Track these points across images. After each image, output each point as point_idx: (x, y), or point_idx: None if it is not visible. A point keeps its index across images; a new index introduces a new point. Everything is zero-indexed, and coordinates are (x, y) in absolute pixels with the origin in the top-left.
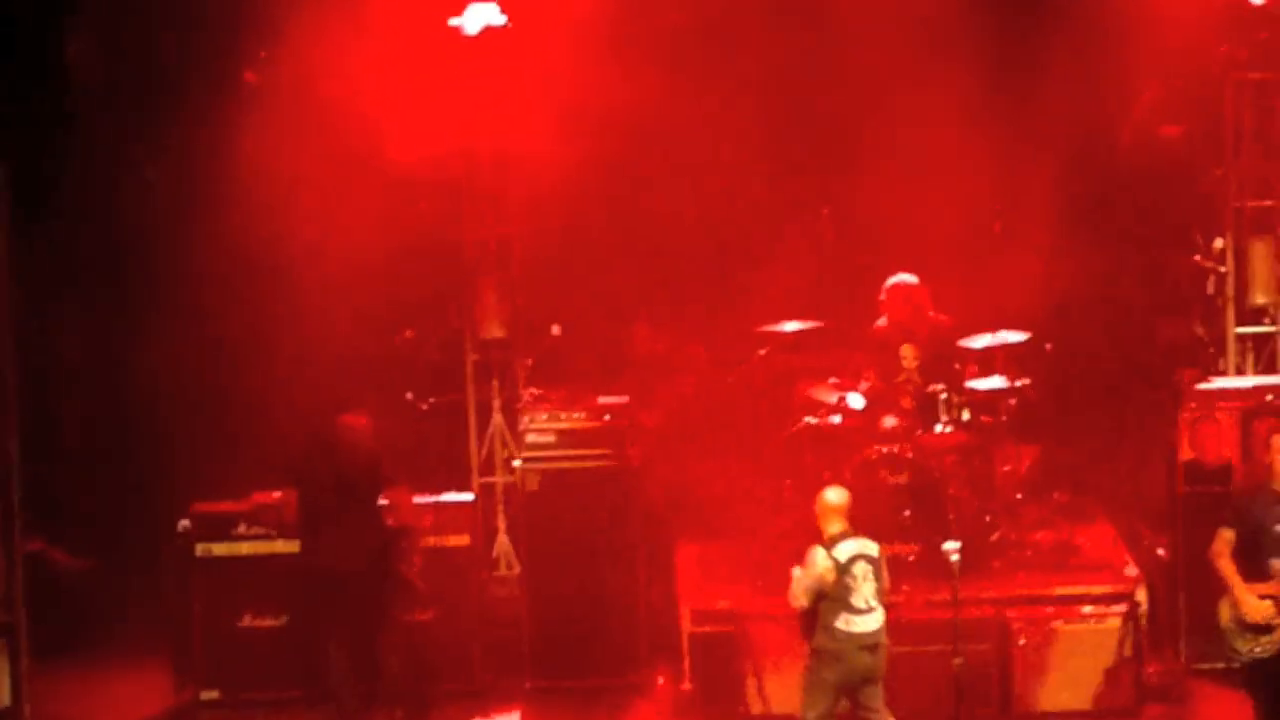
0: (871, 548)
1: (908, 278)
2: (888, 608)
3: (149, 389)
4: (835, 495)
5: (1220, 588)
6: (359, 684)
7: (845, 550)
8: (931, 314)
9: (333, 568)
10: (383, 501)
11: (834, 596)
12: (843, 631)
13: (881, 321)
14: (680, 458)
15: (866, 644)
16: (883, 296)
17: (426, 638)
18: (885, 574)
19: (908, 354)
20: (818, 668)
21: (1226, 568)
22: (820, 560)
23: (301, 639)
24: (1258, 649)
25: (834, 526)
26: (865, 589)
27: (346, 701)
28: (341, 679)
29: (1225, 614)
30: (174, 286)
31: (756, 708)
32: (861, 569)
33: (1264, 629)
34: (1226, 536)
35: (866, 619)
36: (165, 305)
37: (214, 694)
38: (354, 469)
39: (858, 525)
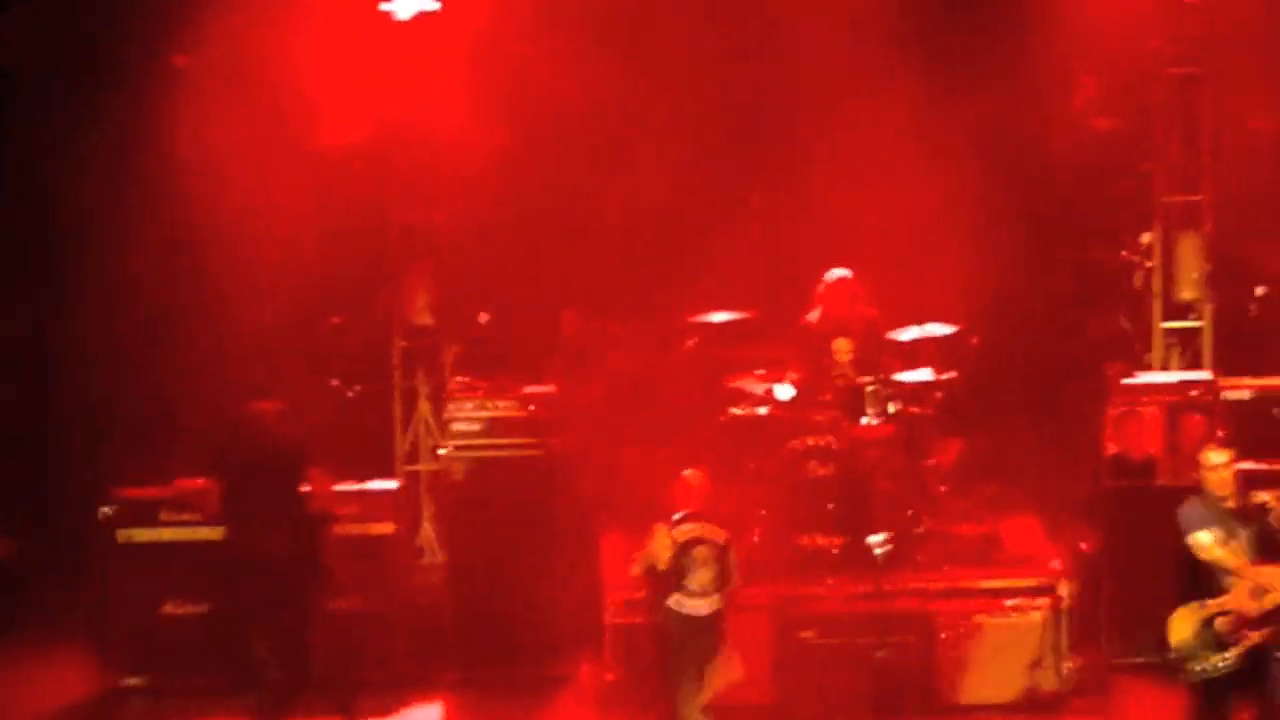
0: (717, 535)
1: (844, 273)
2: (728, 597)
3: (75, 372)
4: (691, 477)
5: (1158, 597)
6: (282, 673)
7: (685, 531)
8: (864, 308)
9: (255, 555)
10: (304, 488)
11: (669, 575)
12: (673, 611)
13: (814, 315)
14: (606, 447)
15: (696, 626)
16: (820, 289)
17: (350, 626)
18: (731, 566)
19: (842, 348)
20: (660, 643)
21: (1229, 557)
22: (658, 537)
23: (224, 627)
24: (1221, 664)
25: (683, 507)
26: (701, 574)
27: (269, 690)
28: (264, 668)
29: (1182, 631)
30: (102, 270)
31: None
32: (701, 553)
33: (1222, 645)
34: (1203, 534)
35: (698, 602)
36: (93, 289)
37: (136, 680)
38: (271, 455)
39: (717, 513)
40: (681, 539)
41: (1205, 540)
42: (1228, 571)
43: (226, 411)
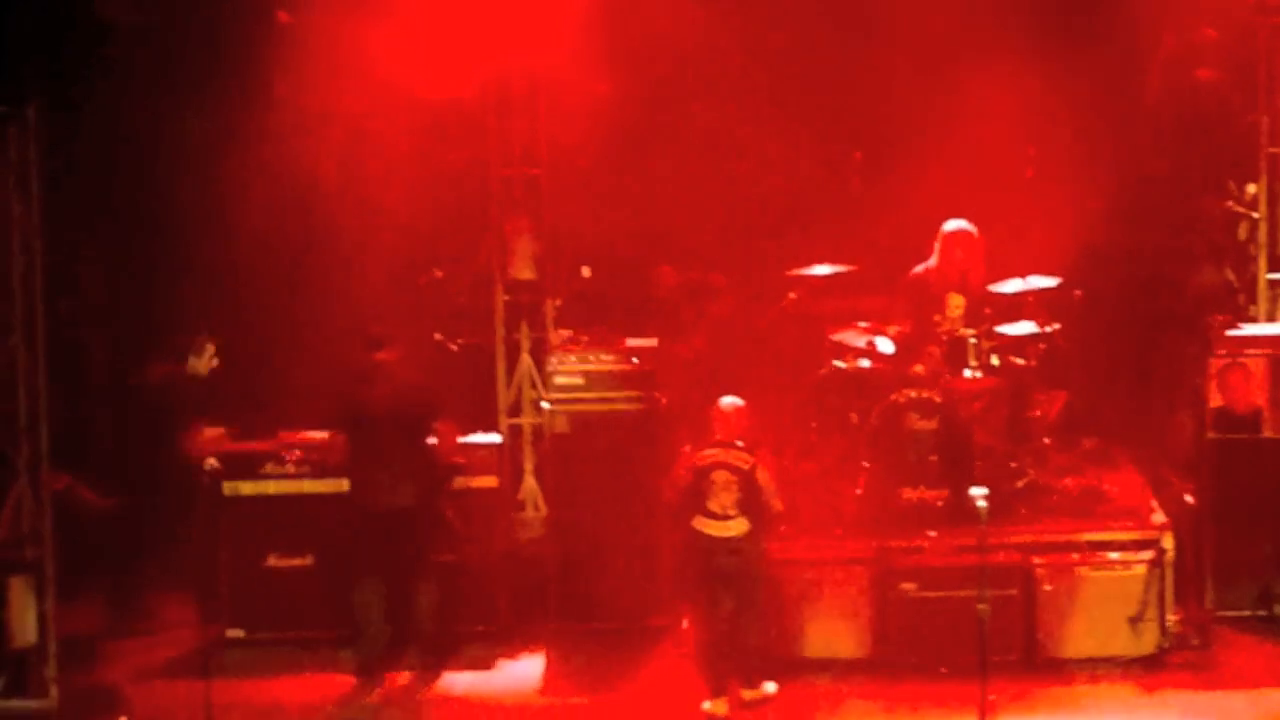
0: (740, 460)
1: (964, 224)
2: (767, 523)
3: (178, 328)
4: (724, 402)
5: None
6: (388, 625)
7: (706, 455)
8: (979, 262)
9: (380, 507)
10: (430, 439)
11: (692, 496)
12: (695, 530)
13: (928, 265)
14: (707, 401)
15: (717, 548)
16: (938, 242)
17: (453, 579)
18: (760, 493)
19: (956, 304)
20: (682, 562)
21: None
22: (681, 460)
23: (328, 579)
24: None
25: (713, 433)
26: (721, 497)
27: (374, 642)
28: (371, 620)
29: None
30: (204, 227)
31: (782, 651)
32: (722, 477)
33: None
34: None
35: (720, 524)
36: (195, 246)
37: (239, 633)
38: (399, 406)
39: (754, 442)
40: (701, 463)
41: None
42: None
43: (349, 362)
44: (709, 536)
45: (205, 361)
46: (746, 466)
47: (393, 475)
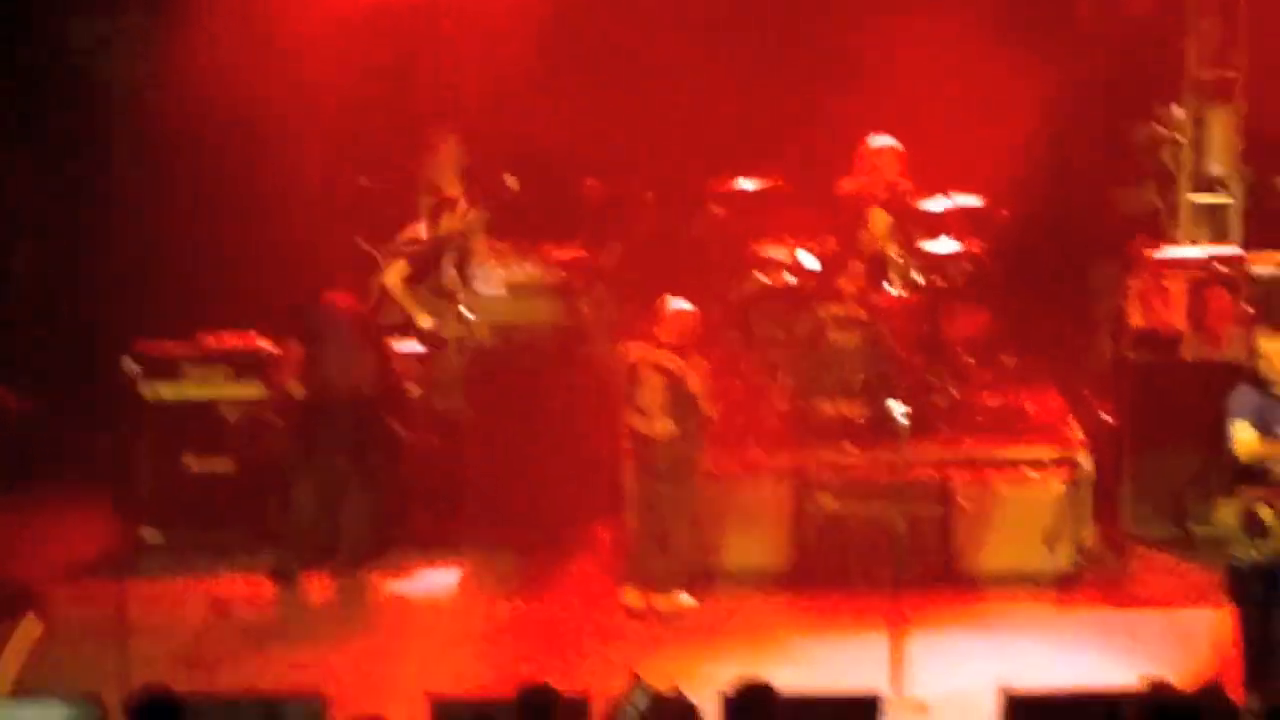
0: (669, 361)
1: (889, 141)
2: (697, 428)
3: (100, 231)
4: (669, 304)
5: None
6: (315, 529)
7: (641, 354)
8: (903, 179)
9: (341, 393)
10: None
11: (627, 394)
12: (629, 427)
13: (853, 182)
14: (632, 312)
15: (646, 446)
16: (862, 157)
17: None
18: (690, 396)
19: (880, 220)
20: (633, 466)
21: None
22: (618, 356)
23: (249, 484)
24: (1255, 554)
25: (653, 333)
26: (646, 394)
27: (299, 545)
28: (301, 521)
29: (1226, 518)
30: (131, 131)
31: (699, 559)
32: (651, 376)
33: (1263, 534)
34: (1243, 427)
35: (649, 422)
36: (119, 150)
37: (156, 534)
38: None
39: (696, 346)
40: (633, 360)
41: (1246, 437)
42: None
43: (300, 302)
44: (637, 433)
45: None
46: (675, 368)
47: (352, 364)
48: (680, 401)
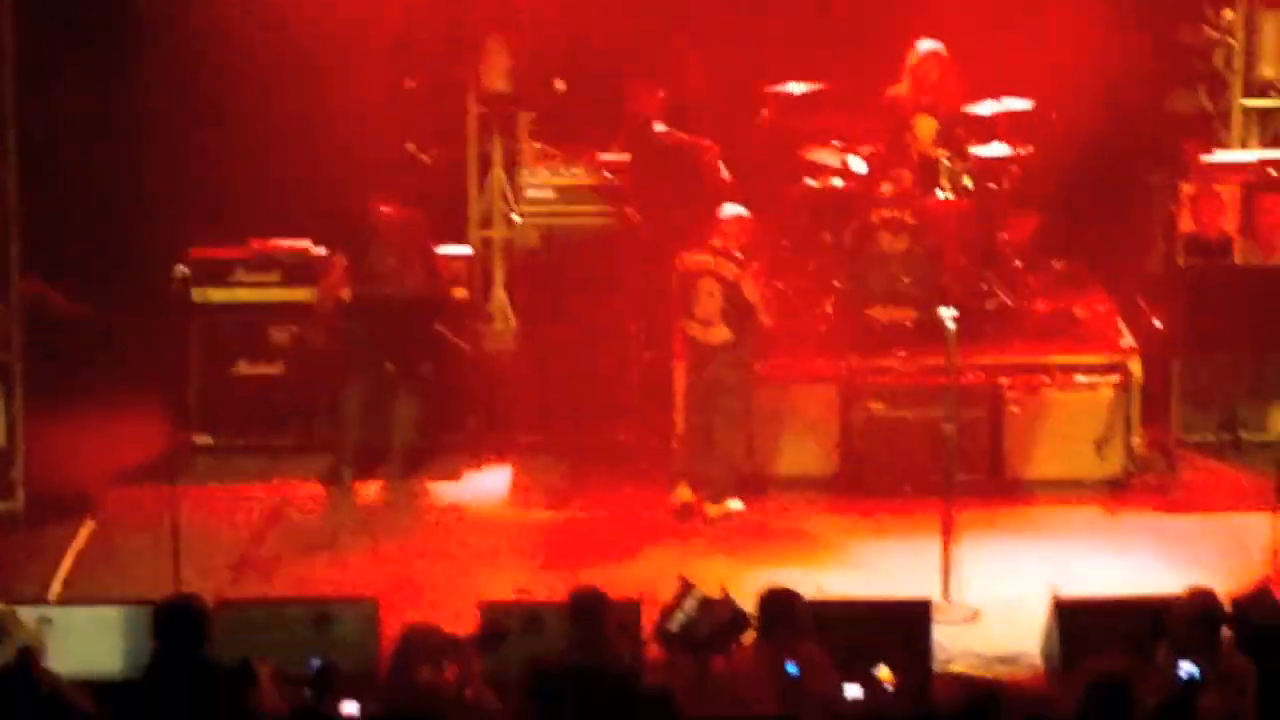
0: (725, 269)
1: (936, 46)
2: (752, 336)
3: (151, 136)
4: (724, 209)
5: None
6: (365, 433)
7: (695, 260)
8: (952, 84)
9: (389, 292)
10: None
11: (680, 300)
12: (685, 335)
13: (902, 88)
14: (679, 215)
15: (701, 354)
16: (910, 62)
17: (428, 391)
18: (745, 302)
19: (926, 126)
20: (683, 372)
21: None
22: (674, 264)
23: (299, 389)
24: None
25: (708, 239)
26: (707, 303)
27: (348, 449)
28: (350, 425)
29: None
30: (180, 36)
31: (749, 468)
32: (706, 284)
33: None
34: None
35: (706, 330)
36: (168, 54)
37: (207, 439)
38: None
39: (752, 253)
40: (686, 267)
41: None
42: None
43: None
44: (693, 340)
45: None
46: (731, 276)
47: (401, 269)
48: (737, 309)
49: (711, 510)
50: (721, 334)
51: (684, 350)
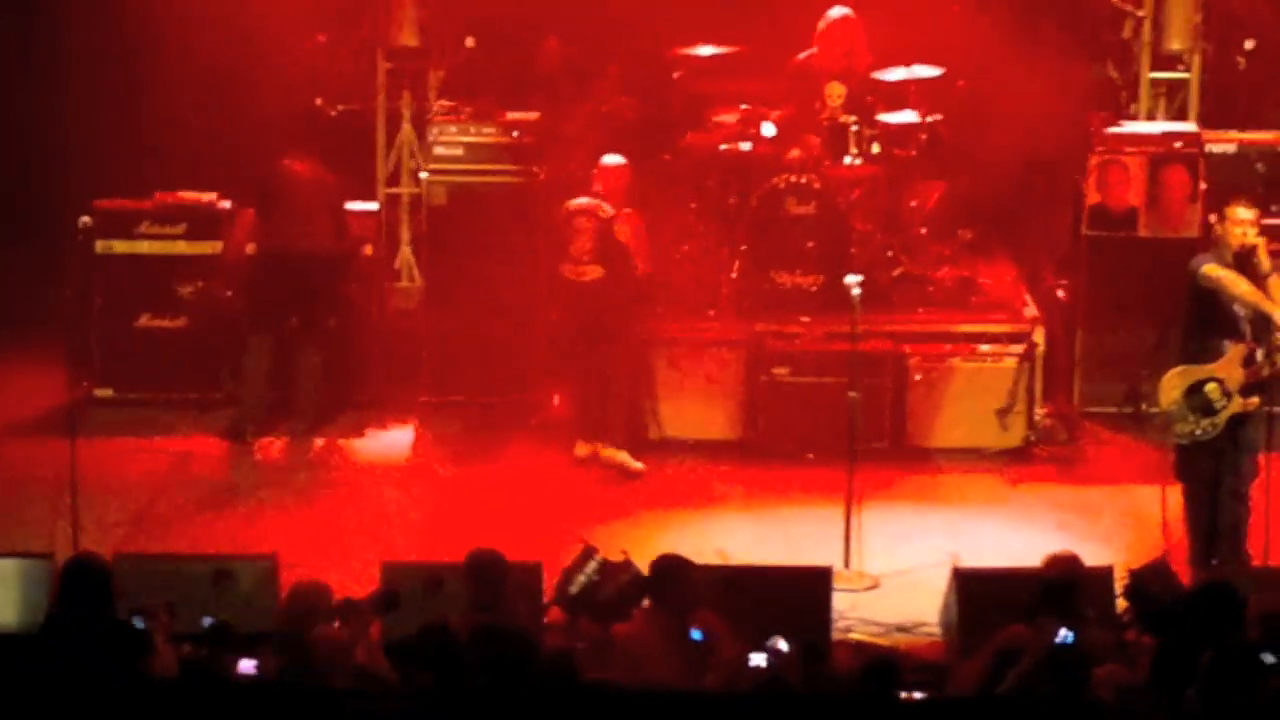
0: (600, 210)
1: (846, 11)
2: (626, 278)
3: (61, 84)
4: (605, 159)
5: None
6: (271, 392)
7: (575, 203)
8: (861, 51)
9: (299, 248)
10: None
11: (560, 244)
12: (559, 275)
13: (810, 53)
14: (585, 174)
15: (575, 294)
16: (821, 27)
17: (331, 348)
18: (620, 245)
19: (835, 92)
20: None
21: (1251, 293)
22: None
23: (202, 343)
24: (1199, 431)
25: (591, 188)
26: (581, 241)
27: (252, 405)
28: (254, 380)
29: (1171, 394)
30: None
31: (651, 431)
32: (581, 222)
33: (1209, 411)
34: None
35: (576, 268)
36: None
37: (108, 392)
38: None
39: (633, 200)
40: (567, 210)
41: (1216, 269)
42: (1235, 299)
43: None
44: (567, 280)
45: None
46: (605, 215)
47: (309, 224)
48: (608, 249)
49: (604, 452)
50: (594, 271)
51: (560, 292)
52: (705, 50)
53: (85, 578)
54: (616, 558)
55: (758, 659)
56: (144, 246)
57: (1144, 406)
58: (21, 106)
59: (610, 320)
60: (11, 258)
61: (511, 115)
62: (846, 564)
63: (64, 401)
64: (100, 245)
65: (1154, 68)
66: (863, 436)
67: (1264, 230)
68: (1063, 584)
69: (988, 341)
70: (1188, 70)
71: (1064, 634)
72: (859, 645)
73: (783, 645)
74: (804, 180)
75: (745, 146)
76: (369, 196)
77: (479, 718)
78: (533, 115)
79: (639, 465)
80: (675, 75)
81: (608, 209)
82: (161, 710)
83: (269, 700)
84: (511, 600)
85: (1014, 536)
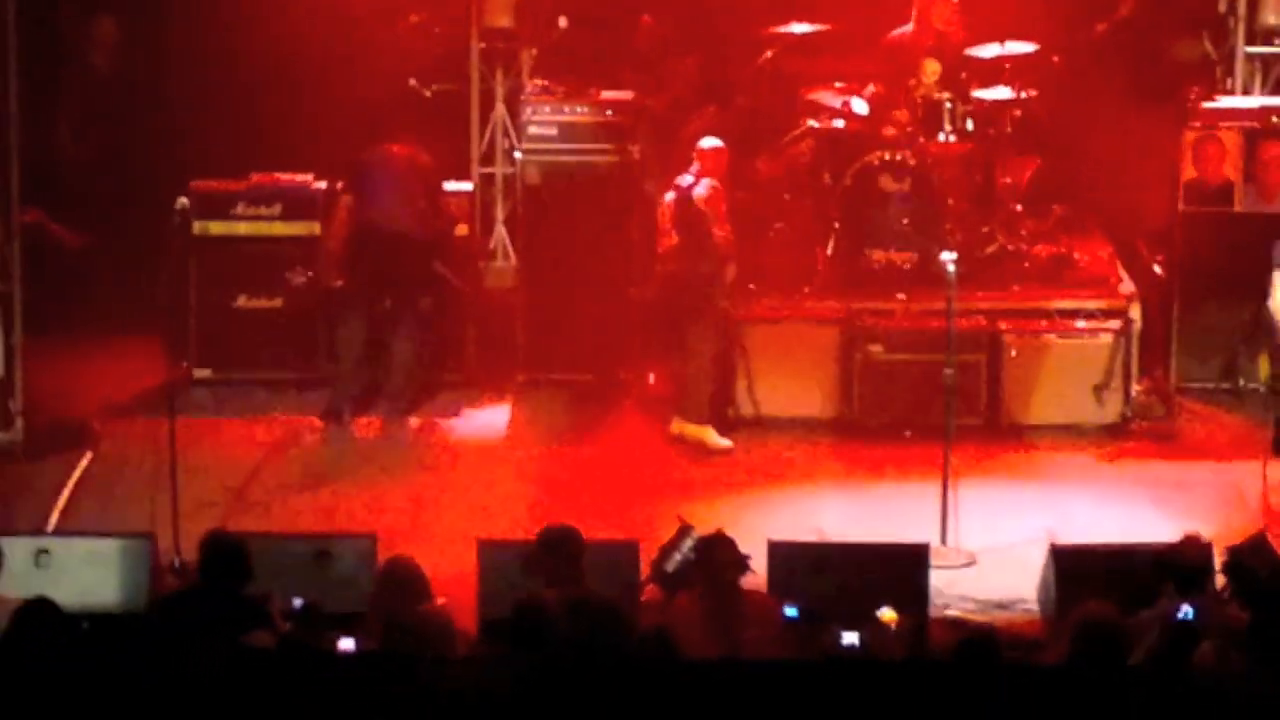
0: (685, 182)
1: None
2: (705, 248)
3: (159, 69)
4: (701, 141)
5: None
6: (364, 369)
7: (684, 180)
8: (957, 28)
9: (390, 227)
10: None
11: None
12: (659, 255)
13: (907, 29)
14: (680, 153)
15: (665, 264)
16: (917, 5)
17: (427, 327)
18: (700, 214)
19: (931, 69)
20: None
21: None
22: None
23: (299, 322)
24: None
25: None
26: (664, 211)
27: (347, 384)
28: (349, 360)
29: (1269, 369)
30: None
31: (746, 409)
32: (669, 196)
33: None
34: None
35: (661, 239)
36: None
37: (206, 372)
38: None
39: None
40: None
41: None
42: None
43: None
44: (661, 258)
45: None
46: (686, 185)
47: (404, 206)
48: (687, 216)
49: (690, 435)
50: (671, 239)
51: (658, 274)
52: (798, 28)
53: (227, 553)
54: (714, 535)
55: (850, 638)
56: (240, 228)
57: (1241, 381)
58: (120, 89)
59: (692, 296)
60: (110, 240)
61: (605, 94)
62: (944, 541)
63: (163, 382)
64: (197, 226)
65: (1249, 42)
66: (958, 413)
67: None
68: (1198, 566)
69: (1083, 318)
70: None
71: (1185, 609)
72: (956, 622)
73: (888, 613)
74: (898, 157)
75: (839, 124)
76: (463, 176)
77: (577, 693)
78: (627, 94)
79: (725, 443)
80: (768, 53)
81: (690, 181)
82: (271, 683)
83: (371, 672)
84: (586, 575)
85: (1110, 513)
